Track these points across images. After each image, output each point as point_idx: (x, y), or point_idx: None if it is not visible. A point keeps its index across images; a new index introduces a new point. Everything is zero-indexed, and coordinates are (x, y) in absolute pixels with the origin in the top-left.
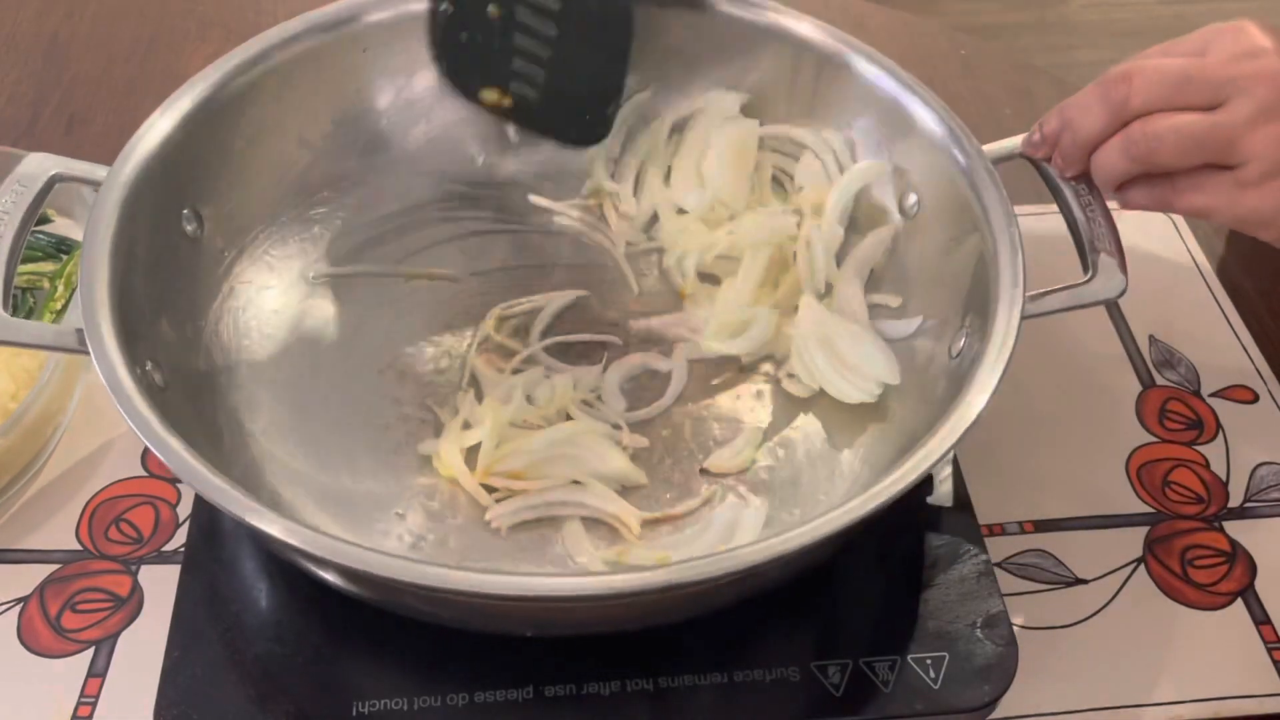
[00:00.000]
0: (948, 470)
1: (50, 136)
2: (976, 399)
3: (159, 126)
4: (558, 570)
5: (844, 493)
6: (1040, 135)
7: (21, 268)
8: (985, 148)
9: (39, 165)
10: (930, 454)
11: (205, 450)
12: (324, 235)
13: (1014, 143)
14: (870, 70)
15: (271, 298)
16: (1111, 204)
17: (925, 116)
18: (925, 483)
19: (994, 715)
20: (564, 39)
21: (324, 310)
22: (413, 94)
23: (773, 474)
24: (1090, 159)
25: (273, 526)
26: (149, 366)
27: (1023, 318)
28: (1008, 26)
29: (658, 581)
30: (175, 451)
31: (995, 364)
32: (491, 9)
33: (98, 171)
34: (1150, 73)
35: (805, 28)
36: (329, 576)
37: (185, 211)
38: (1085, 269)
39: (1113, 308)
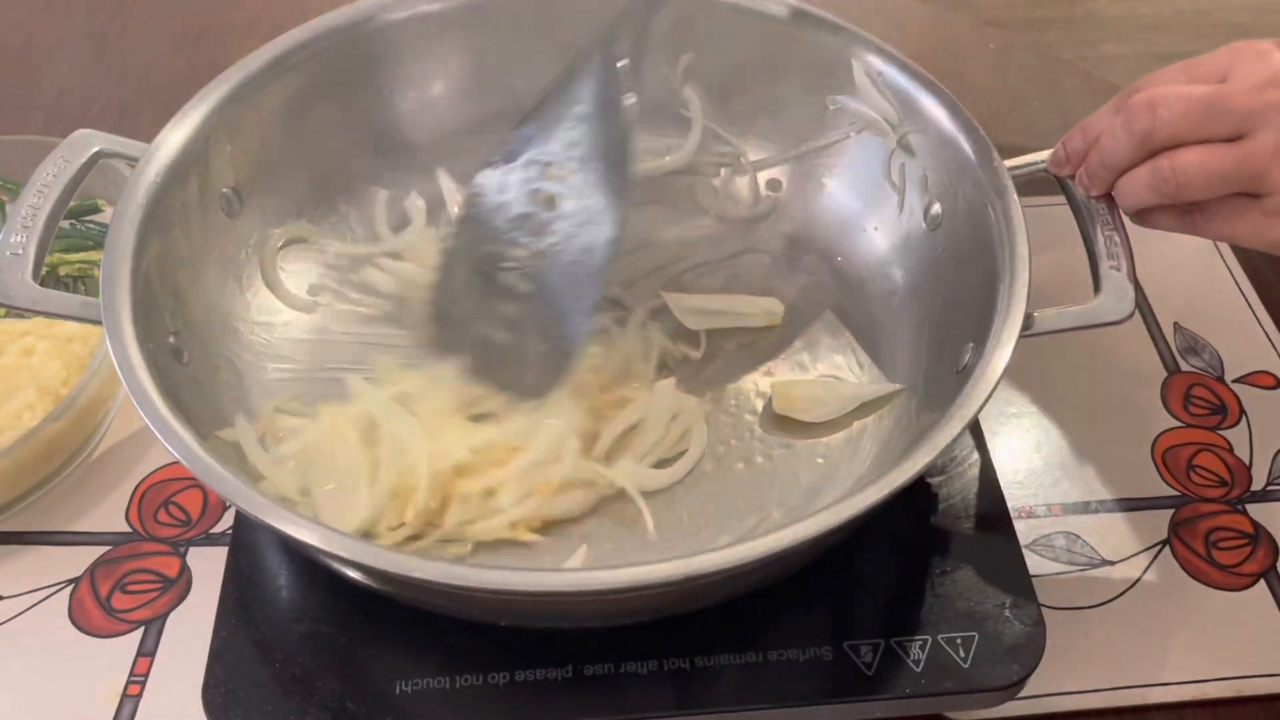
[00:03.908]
0: (970, 459)
1: (101, 128)
2: (957, 419)
3: (198, 111)
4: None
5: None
6: (1065, 153)
7: (71, 256)
8: (1011, 161)
9: (83, 140)
10: (891, 480)
11: (216, 428)
12: (354, 228)
13: (1039, 158)
14: (898, 77)
15: (298, 284)
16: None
17: (950, 127)
18: (934, 492)
19: (1022, 694)
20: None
21: (345, 300)
22: (439, 95)
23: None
24: (1115, 184)
25: (252, 506)
26: (171, 341)
27: (1022, 336)
28: (1036, 20)
29: (677, 574)
30: (167, 423)
31: (984, 386)
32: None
33: (140, 149)
34: (1174, 103)
35: (845, 35)
36: (344, 570)
37: (225, 191)
38: (1096, 287)
39: (1138, 297)
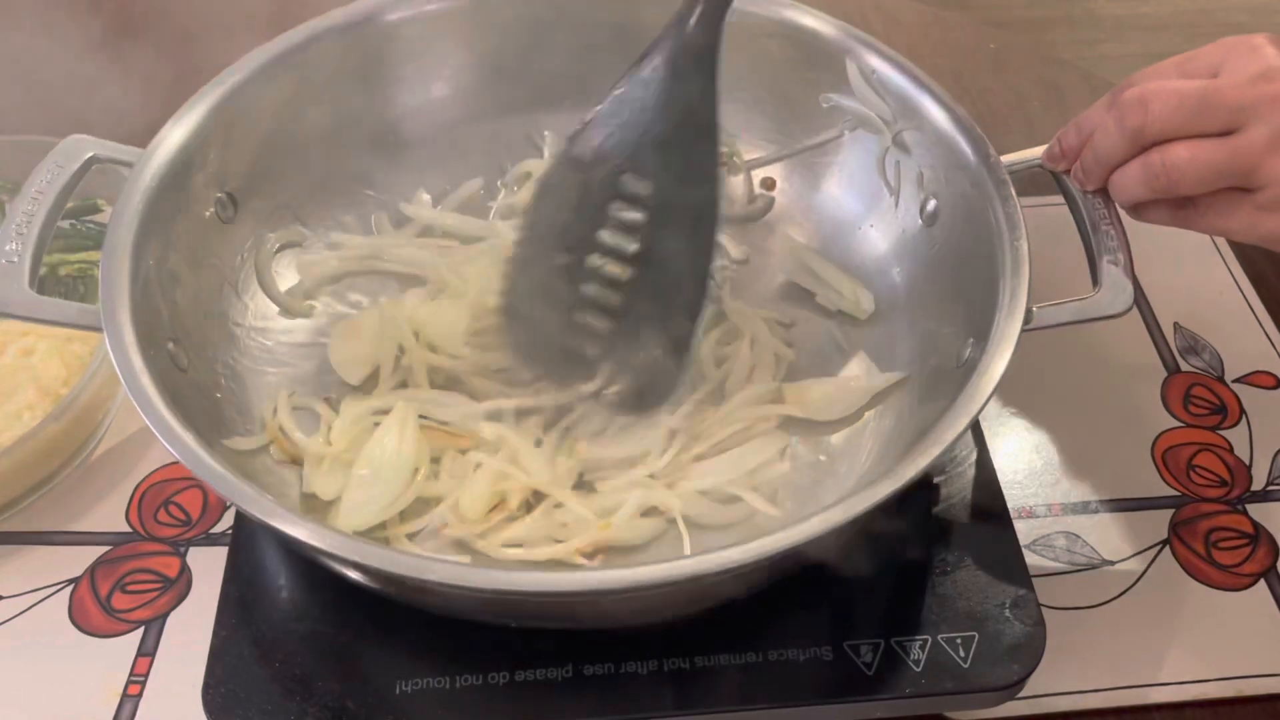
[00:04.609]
0: (971, 459)
1: (100, 129)
2: (963, 413)
3: (192, 115)
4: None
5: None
6: (1059, 149)
7: (71, 256)
8: (1007, 157)
9: (77, 146)
10: (900, 474)
11: (217, 432)
12: (351, 230)
13: (1035, 154)
14: (893, 75)
15: (295, 287)
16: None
17: (946, 124)
18: (933, 491)
19: (1022, 694)
20: (638, 294)
21: (344, 301)
22: (437, 96)
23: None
24: (1109, 179)
25: (255, 508)
26: (170, 347)
27: (1024, 331)
28: (1036, 21)
29: (677, 575)
30: (169, 427)
31: (989, 380)
32: (561, 258)
33: (134, 154)
34: (1166, 98)
35: (839, 34)
36: (341, 568)
37: (219, 196)
38: (1094, 282)
39: (1138, 296)
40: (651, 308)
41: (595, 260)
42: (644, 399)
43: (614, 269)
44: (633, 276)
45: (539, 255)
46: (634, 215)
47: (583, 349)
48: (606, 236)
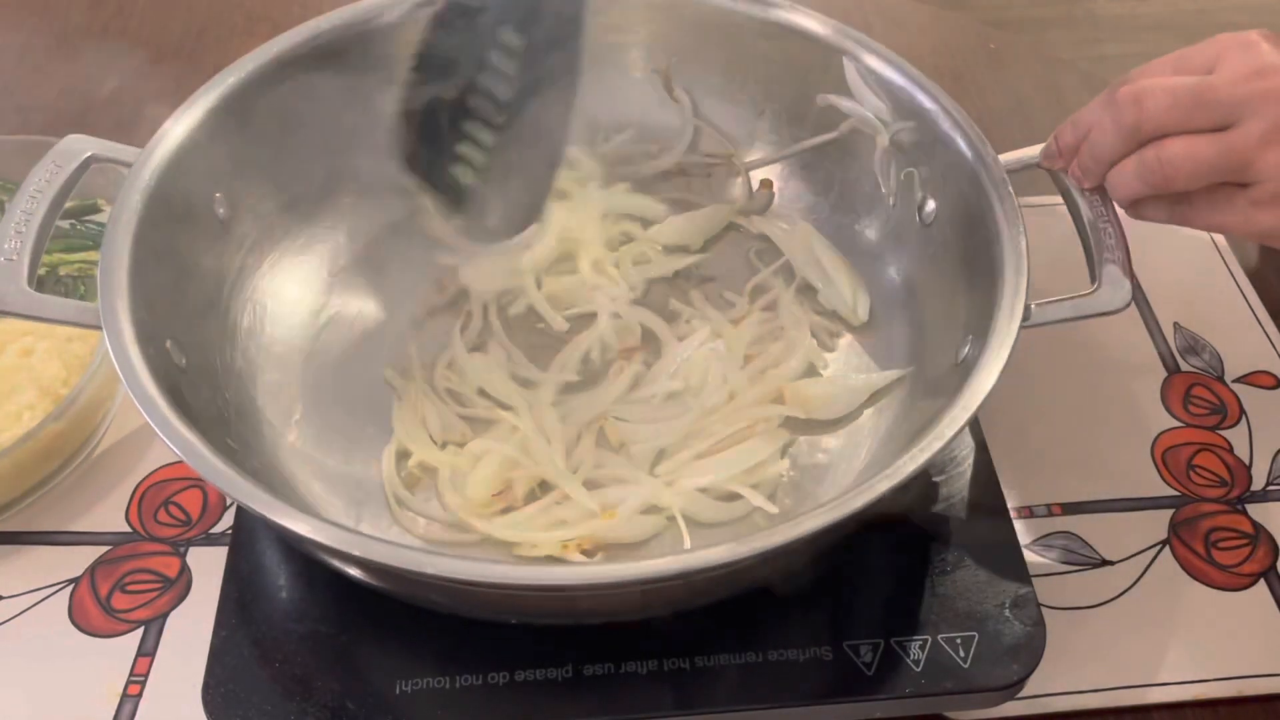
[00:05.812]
0: (971, 458)
1: (101, 128)
2: (961, 409)
3: (191, 115)
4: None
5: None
6: (1056, 147)
7: (71, 256)
8: (1005, 156)
9: (76, 145)
10: (899, 470)
11: (216, 431)
12: (348, 230)
13: (1032, 153)
14: (891, 75)
15: (293, 287)
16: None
17: (944, 124)
18: (932, 488)
19: (1022, 693)
20: (509, 136)
21: (341, 302)
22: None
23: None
24: (1106, 177)
25: (257, 504)
26: (169, 345)
27: (1023, 328)
28: (1036, 21)
29: (674, 569)
30: (170, 424)
31: (988, 376)
32: (449, 89)
33: (133, 154)
34: (1161, 95)
35: (836, 35)
36: (333, 561)
37: (217, 195)
38: (1092, 279)
39: (1138, 296)
40: (522, 146)
41: (475, 101)
42: (509, 225)
43: (490, 113)
44: (505, 120)
45: (429, 86)
46: (509, 64)
47: (461, 177)
48: (485, 80)
